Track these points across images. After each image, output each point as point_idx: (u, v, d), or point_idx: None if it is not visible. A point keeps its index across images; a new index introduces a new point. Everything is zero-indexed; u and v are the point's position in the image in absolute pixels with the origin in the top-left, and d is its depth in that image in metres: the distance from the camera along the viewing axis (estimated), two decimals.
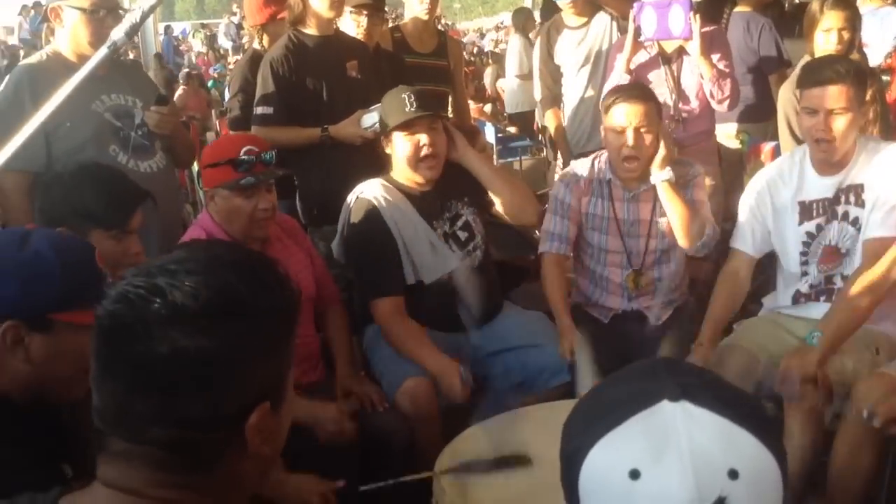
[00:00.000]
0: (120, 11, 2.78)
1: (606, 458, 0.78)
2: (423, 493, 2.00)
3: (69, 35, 2.75)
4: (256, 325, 0.93)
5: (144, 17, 1.99)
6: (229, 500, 0.98)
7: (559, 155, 4.22)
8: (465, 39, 16.91)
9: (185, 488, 0.93)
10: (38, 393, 1.46)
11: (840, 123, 2.41)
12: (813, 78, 2.44)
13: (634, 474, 0.75)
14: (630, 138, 2.67)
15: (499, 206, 2.85)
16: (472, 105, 7.94)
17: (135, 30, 1.94)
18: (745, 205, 2.71)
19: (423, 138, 2.68)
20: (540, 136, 6.40)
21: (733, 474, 0.75)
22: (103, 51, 1.92)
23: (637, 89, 2.80)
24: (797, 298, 2.65)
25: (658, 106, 2.78)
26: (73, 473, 1.49)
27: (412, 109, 2.66)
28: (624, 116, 2.68)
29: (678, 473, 0.74)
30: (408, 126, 2.68)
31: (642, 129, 2.68)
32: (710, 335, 2.58)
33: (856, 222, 2.52)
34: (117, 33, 1.90)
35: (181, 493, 0.93)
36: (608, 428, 0.79)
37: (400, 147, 2.71)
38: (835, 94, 2.38)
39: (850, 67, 2.42)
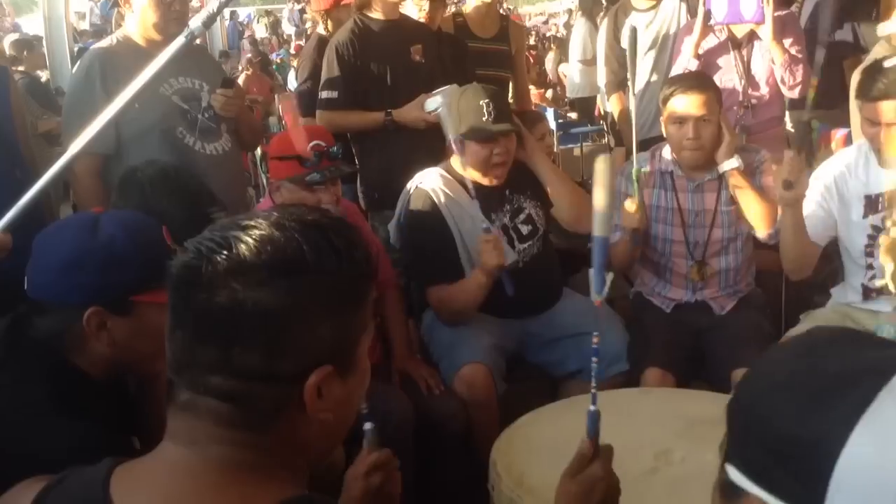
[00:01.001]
0: None
1: (874, 440, 0.70)
2: (479, 478, 2.00)
3: (138, 20, 2.80)
4: (318, 285, 0.93)
5: (222, 6, 2.01)
6: (291, 462, 0.97)
7: (622, 141, 4.17)
8: (527, 24, 16.78)
9: (246, 446, 0.93)
10: (118, 370, 1.50)
11: None
12: (868, 93, 2.37)
13: None
14: (691, 130, 2.64)
15: (557, 211, 2.83)
16: (533, 90, 7.89)
17: (212, 20, 1.96)
18: (810, 196, 2.64)
19: (497, 147, 2.66)
20: (602, 121, 6.34)
21: None
22: (180, 40, 1.95)
23: (695, 78, 2.74)
24: (867, 293, 2.58)
25: (718, 93, 2.72)
26: (140, 446, 1.53)
27: (489, 120, 2.62)
28: (684, 108, 2.64)
29: None
30: (485, 137, 2.66)
31: (703, 119, 2.63)
32: None
33: None
34: (195, 23, 1.93)
35: (242, 452, 0.93)
36: (859, 409, 0.71)
37: (471, 153, 2.68)
38: (891, 108, 2.32)
39: None
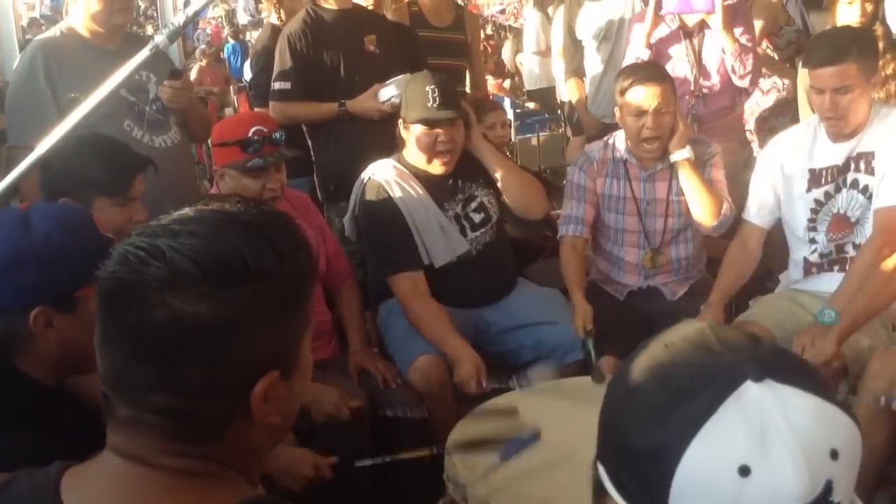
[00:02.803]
0: None
1: (708, 456, 0.71)
2: (436, 470, 2.00)
3: (82, 11, 2.74)
4: (262, 293, 0.87)
5: (186, 22, 1.99)
6: (243, 465, 0.94)
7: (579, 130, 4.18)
8: (486, 13, 16.75)
9: (195, 457, 0.89)
10: (68, 370, 1.47)
11: (846, 101, 2.39)
12: (816, 58, 2.41)
13: (744, 471, 0.69)
14: (650, 121, 2.66)
15: (506, 199, 2.83)
16: (491, 80, 7.87)
17: (177, 34, 1.93)
18: (756, 175, 2.71)
19: (441, 135, 2.65)
20: (560, 111, 6.35)
21: (834, 454, 0.71)
22: (145, 52, 1.92)
23: (652, 70, 2.75)
24: (808, 269, 2.63)
25: (673, 83, 2.75)
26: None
27: (434, 106, 2.62)
28: (642, 99, 2.65)
29: (790, 464, 0.69)
30: (427, 122, 2.66)
31: (661, 111, 2.66)
32: (718, 297, 2.61)
33: (865, 190, 2.50)
34: (160, 37, 1.89)
35: (191, 462, 0.89)
36: (700, 420, 0.72)
37: (417, 138, 2.69)
38: (839, 73, 2.36)
39: (853, 43, 2.38)
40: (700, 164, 2.75)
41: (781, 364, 0.76)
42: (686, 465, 0.72)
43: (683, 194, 2.75)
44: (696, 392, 0.74)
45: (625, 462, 0.78)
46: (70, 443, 1.40)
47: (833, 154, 2.53)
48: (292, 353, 0.93)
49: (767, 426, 0.71)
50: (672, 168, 2.75)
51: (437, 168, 2.72)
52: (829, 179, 2.54)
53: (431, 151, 2.68)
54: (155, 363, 0.86)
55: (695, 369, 0.76)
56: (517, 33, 10.67)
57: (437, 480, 1.99)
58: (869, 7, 3.14)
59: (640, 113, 2.67)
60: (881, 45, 3.03)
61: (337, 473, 2.10)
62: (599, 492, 0.82)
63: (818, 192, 2.56)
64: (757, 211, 2.69)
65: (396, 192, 2.68)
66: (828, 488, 0.70)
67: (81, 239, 1.43)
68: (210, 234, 0.87)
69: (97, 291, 0.89)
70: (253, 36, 12.96)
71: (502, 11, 17.43)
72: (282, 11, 3.80)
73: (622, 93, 2.70)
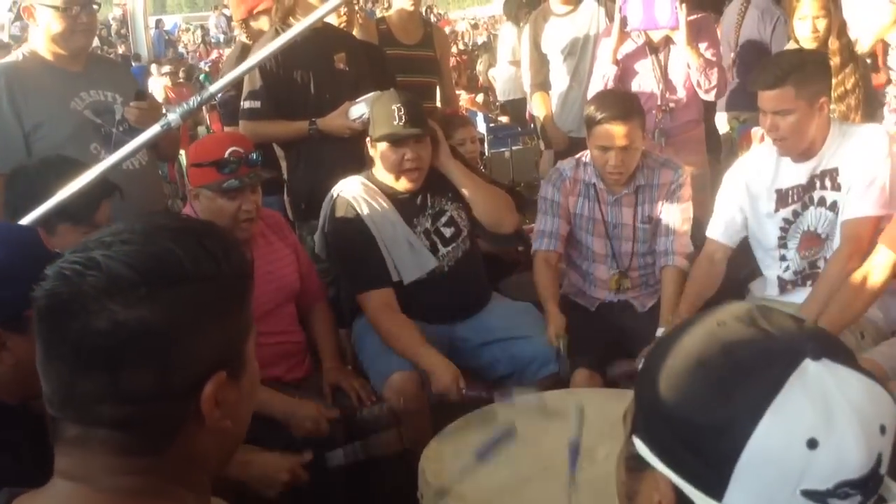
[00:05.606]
0: (94, 7, 2.74)
1: (779, 430, 0.74)
2: (411, 488, 2.00)
3: (44, 33, 2.71)
4: (202, 293, 0.89)
5: (201, 103, 1.97)
6: (192, 481, 0.94)
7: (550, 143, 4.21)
8: (457, 28, 16.90)
9: (144, 473, 0.90)
10: (27, 387, 1.44)
11: (785, 123, 2.43)
12: (759, 81, 2.46)
13: (812, 444, 0.72)
14: (613, 157, 2.70)
15: (476, 214, 2.85)
16: (464, 95, 7.90)
17: (189, 113, 1.91)
18: (722, 195, 2.74)
19: (408, 152, 2.67)
20: (532, 124, 6.39)
21: (883, 430, 0.75)
22: (156, 128, 1.90)
23: (619, 107, 2.71)
24: (783, 286, 2.66)
25: (642, 118, 2.77)
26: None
27: (399, 124, 2.64)
28: (608, 138, 2.69)
29: (853, 437, 0.73)
30: (393, 139, 2.67)
31: (627, 148, 2.70)
32: (684, 312, 2.61)
33: (833, 206, 2.53)
34: (173, 115, 1.88)
35: (140, 480, 0.90)
36: (768, 397, 0.74)
37: (384, 156, 2.70)
38: (776, 97, 2.41)
39: (793, 68, 2.41)
40: (670, 192, 2.81)
41: (832, 344, 0.79)
42: (756, 439, 0.74)
43: (649, 221, 2.81)
44: (760, 369, 0.77)
45: (682, 437, 0.79)
46: (35, 464, 1.39)
47: (797, 173, 2.56)
48: (238, 355, 0.95)
49: (830, 402, 0.74)
50: (637, 193, 2.79)
51: (404, 185, 2.73)
52: (795, 198, 2.58)
53: (398, 169, 2.69)
54: (102, 372, 0.86)
55: (754, 347, 0.79)
56: (490, 48, 10.76)
57: (409, 482, 1.99)
58: (821, 23, 3.17)
59: (606, 148, 2.71)
60: (838, 59, 3.07)
61: (311, 473, 2.10)
62: (638, 468, 0.84)
63: (786, 212, 2.59)
64: (724, 229, 2.71)
65: (364, 210, 2.69)
66: (879, 461, 0.75)
67: (27, 256, 1.40)
68: (142, 241, 0.89)
69: (35, 311, 0.89)
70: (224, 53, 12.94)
71: (475, 26, 17.57)
72: (244, 33, 3.84)
73: (589, 125, 2.73)
